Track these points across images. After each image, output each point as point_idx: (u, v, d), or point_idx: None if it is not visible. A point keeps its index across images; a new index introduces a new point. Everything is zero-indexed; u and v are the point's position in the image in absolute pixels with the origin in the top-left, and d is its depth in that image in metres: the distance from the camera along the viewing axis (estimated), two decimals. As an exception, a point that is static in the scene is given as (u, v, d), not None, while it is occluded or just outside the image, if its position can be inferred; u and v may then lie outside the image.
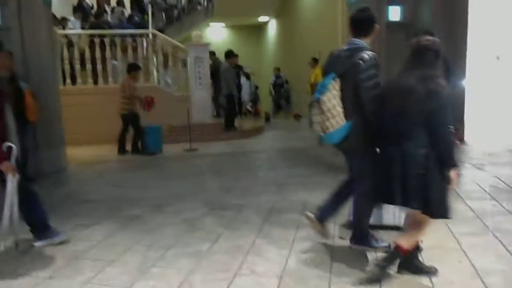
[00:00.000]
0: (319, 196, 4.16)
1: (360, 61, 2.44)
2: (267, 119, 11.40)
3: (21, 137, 4.53)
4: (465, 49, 6.90)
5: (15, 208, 2.73)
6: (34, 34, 4.99)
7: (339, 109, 2.47)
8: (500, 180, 4.53)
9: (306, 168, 5.52)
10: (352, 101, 2.48)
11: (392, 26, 6.71)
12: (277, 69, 12.76)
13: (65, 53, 7.55)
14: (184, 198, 4.24)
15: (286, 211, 3.76)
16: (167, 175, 5.42)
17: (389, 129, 2.33)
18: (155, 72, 8.54)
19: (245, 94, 11.98)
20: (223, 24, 16.16)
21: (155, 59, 8.35)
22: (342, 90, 2.49)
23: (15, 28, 4.94)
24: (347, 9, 6.96)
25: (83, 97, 7.47)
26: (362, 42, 2.57)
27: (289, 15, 12.89)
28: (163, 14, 12.55)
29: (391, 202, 2.42)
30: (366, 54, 2.47)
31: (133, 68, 6.95)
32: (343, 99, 2.49)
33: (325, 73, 2.62)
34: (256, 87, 13.31)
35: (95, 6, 11.78)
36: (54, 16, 7.90)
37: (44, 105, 4.94)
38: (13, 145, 2.66)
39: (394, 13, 6.80)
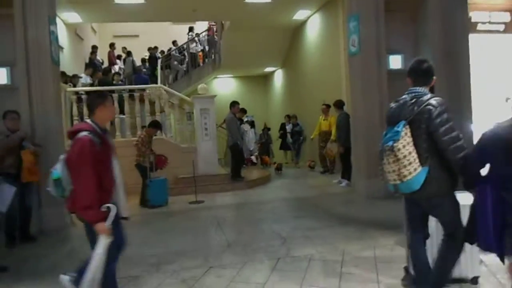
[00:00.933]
0: (324, 251, 4.00)
1: (431, 107, 2.49)
2: (278, 169, 10.31)
3: (22, 196, 4.62)
4: (469, 92, 6.88)
5: (99, 273, 2.51)
6: (42, 93, 5.15)
7: (415, 155, 2.48)
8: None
9: (312, 219, 5.35)
10: (424, 146, 2.50)
11: (394, 74, 6.80)
12: (295, 117, 11.92)
13: (75, 109, 7.75)
14: (184, 255, 4.08)
15: (289, 269, 3.56)
16: (169, 229, 5.29)
17: (501, 174, 2.28)
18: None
19: (250, 143, 11.66)
20: (230, 75, 16.65)
21: (162, 113, 8.50)
22: (412, 136, 2.52)
23: (23, 87, 5.12)
24: (348, 59, 7.11)
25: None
26: (424, 89, 2.64)
27: (295, 66, 13.25)
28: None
29: (496, 251, 2.31)
30: (434, 100, 2.53)
31: (151, 125, 7.12)
32: (414, 145, 2.51)
33: (391, 121, 2.64)
34: (267, 135, 12.82)
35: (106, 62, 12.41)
36: (64, 73, 8.28)
37: (50, 163, 4.97)
38: (111, 206, 2.56)
39: (395, 62, 6.92)
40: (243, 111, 9.77)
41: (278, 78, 15.78)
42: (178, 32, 15.30)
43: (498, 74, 8.81)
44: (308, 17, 11.36)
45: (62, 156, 2.64)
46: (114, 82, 9.68)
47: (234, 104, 8.56)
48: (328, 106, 8.95)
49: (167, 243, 4.59)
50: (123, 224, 2.82)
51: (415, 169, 2.45)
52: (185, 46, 13.83)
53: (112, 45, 12.89)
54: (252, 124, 12.15)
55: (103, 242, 2.51)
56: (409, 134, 2.50)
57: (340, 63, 9.06)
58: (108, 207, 2.56)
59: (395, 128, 2.53)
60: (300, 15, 11.11)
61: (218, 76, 16.01)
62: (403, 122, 2.52)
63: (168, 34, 15.40)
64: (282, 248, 4.18)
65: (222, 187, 8.03)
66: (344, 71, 8.60)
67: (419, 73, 2.68)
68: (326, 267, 3.61)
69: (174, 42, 14.13)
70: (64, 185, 2.56)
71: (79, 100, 7.95)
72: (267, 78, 17.14)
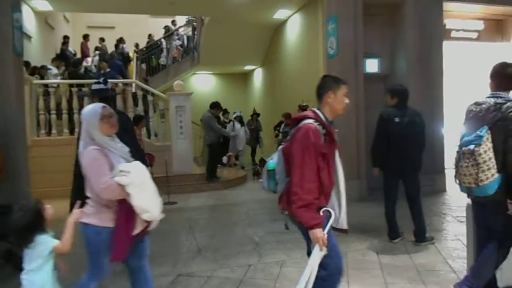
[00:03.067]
0: (296, 257, 3.93)
1: None
2: (256, 173, 9.35)
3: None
4: (441, 96, 7.01)
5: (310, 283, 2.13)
6: (2, 85, 4.82)
7: (494, 161, 2.45)
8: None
9: (288, 222, 5.27)
10: (501, 153, 2.47)
11: (370, 77, 6.82)
12: (288, 116, 9.45)
13: (41, 103, 7.38)
14: (151, 261, 3.86)
15: (260, 276, 3.48)
16: None
17: None
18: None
19: (240, 143, 10.70)
20: (209, 72, 16.40)
21: (135, 109, 8.22)
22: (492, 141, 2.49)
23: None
24: (326, 61, 7.09)
25: (58, 148, 7.22)
26: (506, 95, 2.59)
27: (274, 65, 13.17)
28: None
29: None
30: None
31: (139, 119, 6.66)
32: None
33: (472, 125, 2.59)
34: (257, 121, 11.55)
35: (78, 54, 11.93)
36: (29, 63, 7.84)
37: (9, 159, 4.69)
38: (331, 211, 2.22)
39: (371, 66, 6.95)
40: (218, 106, 8.89)
41: (258, 77, 15.66)
42: (156, 26, 14.94)
43: (471, 80, 9.04)
44: (288, 17, 11.29)
45: (280, 147, 2.37)
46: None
47: (215, 105, 8.42)
48: (304, 109, 8.15)
49: (135, 247, 4.40)
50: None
51: (492, 175, 2.44)
52: (162, 40, 13.51)
53: (85, 37, 12.41)
54: (241, 120, 11.06)
55: (318, 254, 2.14)
56: (490, 139, 2.47)
57: (319, 64, 9.02)
58: (329, 212, 2.22)
59: (478, 132, 2.50)
60: (280, 14, 11.02)
61: (197, 72, 15.75)
62: (486, 127, 2.49)
63: (145, 27, 15.00)
64: (254, 254, 4.09)
65: (197, 187, 7.86)
66: (323, 73, 8.58)
67: (503, 77, 2.64)
68: (297, 274, 3.52)
69: (149, 35, 13.78)
70: (278, 179, 2.31)
71: (46, 93, 7.58)
72: (247, 76, 16.99)
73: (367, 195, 6.41)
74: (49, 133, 7.62)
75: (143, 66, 12.56)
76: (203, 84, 16.43)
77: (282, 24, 11.80)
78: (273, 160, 2.36)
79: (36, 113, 7.39)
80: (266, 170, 2.36)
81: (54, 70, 9.17)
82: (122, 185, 2.18)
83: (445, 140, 7.03)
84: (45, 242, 2.14)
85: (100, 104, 2.39)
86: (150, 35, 13.83)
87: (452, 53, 7.81)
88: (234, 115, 11.05)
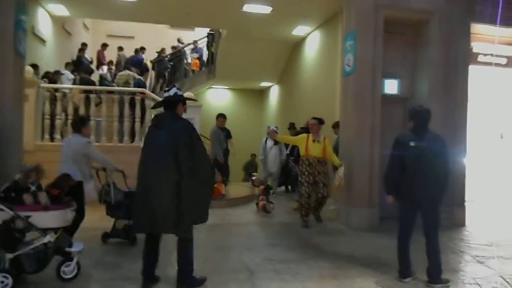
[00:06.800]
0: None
1: None
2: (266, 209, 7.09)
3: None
4: (465, 125, 6.53)
5: None
6: (-1, 85, 4.66)
7: None
8: (505, 280, 3.85)
9: (286, 249, 4.85)
10: None
11: (389, 99, 6.42)
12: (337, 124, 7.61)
13: (47, 107, 7.23)
14: (137, 283, 3.54)
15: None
16: (126, 253, 4.57)
17: None
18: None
19: (272, 164, 8.53)
20: (225, 86, 16.27)
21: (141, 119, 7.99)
22: None
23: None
24: (342, 79, 6.74)
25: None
26: None
27: (291, 82, 12.91)
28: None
29: None
30: None
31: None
32: None
33: None
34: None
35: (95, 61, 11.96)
36: (35, 66, 7.73)
37: (2, 162, 4.49)
38: None
39: (391, 86, 6.55)
40: (223, 117, 8.13)
41: (274, 94, 15.42)
42: (176, 37, 14.96)
43: (495, 108, 8.52)
44: (308, 34, 11.06)
45: None
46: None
47: (218, 116, 8.11)
48: (320, 121, 6.23)
49: (121, 268, 4.04)
50: None
51: None
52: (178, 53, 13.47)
53: (104, 45, 12.46)
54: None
55: None
56: None
57: (337, 83, 8.69)
58: None
59: None
60: (299, 31, 10.81)
61: (213, 86, 15.63)
62: None
63: (164, 38, 15.05)
64: (246, 284, 3.67)
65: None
66: (338, 90, 8.22)
67: None
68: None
69: (162, 49, 13.74)
70: None
71: (54, 97, 7.45)
72: (263, 93, 16.79)
73: (378, 224, 5.92)
74: (52, 139, 7.45)
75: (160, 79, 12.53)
76: (219, 98, 16.30)
77: (301, 41, 11.58)
78: None
79: (41, 118, 7.24)
80: None
81: (70, 75, 9.11)
82: None
83: (466, 170, 6.50)
84: None
85: None
86: (164, 48, 13.80)
87: (478, 79, 7.36)
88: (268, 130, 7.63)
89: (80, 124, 4.55)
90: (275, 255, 4.56)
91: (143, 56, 12.39)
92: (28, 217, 3.29)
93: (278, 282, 3.72)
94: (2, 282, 3.18)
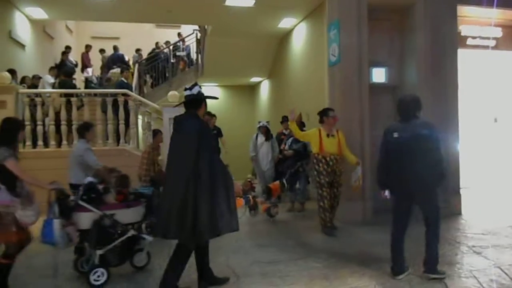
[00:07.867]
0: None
1: None
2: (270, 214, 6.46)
3: None
4: (457, 110, 6.37)
5: None
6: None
7: None
8: (504, 271, 3.70)
9: (276, 250, 4.69)
10: None
11: (376, 88, 6.25)
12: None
13: (27, 113, 7.01)
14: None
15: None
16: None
17: None
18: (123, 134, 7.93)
19: (263, 161, 7.71)
20: (215, 83, 16.03)
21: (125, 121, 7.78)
22: None
23: None
24: (328, 69, 6.56)
25: (44, 161, 6.81)
26: None
27: (281, 76, 12.70)
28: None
29: None
30: None
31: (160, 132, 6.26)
32: None
33: None
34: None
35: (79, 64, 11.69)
36: (13, 72, 7.43)
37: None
38: None
39: (378, 75, 6.38)
40: (209, 114, 7.50)
41: (265, 89, 15.20)
42: (162, 37, 14.69)
43: (488, 92, 8.36)
44: (294, 26, 10.82)
45: None
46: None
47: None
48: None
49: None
50: None
51: None
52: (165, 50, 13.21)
53: (87, 47, 12.19)
54: (267, 133, 7.76)
55: None
56: None
57: (325, 74, 8.50)
58: None
59: None
60: (286, 23, 10.57)
61: (202, 84, 15.38)
62: None
63: (150, 38, 14.76)
64: (233, 290, 3.51)
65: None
66: (327, 84, 8.03)
67: None
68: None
69: (157, 44, 13.53)
70: None
71: (33, 102, 7.22)
72: (253, 88, 16.56)
73: (371, 218, 5.77)
74: (34, 145, 7.24)
75: (147, 78, 12.27)
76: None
77: (288, 33, 11.34)
78: None
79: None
80: None
81: (50, 79, 8.86)
82: None
83: (460, 156, 6.35)
84: None
85: None
86: (157, 43, 13.59)
87: (468, 62, 7.19)
88: (259, 125, 8.01)
89: (83, 129, 4.79)
90: (263, 257, 4.40)
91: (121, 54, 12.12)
92: (112, 215, 3.67)
93: (266, 286, 3.56)
94: (99, 276, 3.52)
